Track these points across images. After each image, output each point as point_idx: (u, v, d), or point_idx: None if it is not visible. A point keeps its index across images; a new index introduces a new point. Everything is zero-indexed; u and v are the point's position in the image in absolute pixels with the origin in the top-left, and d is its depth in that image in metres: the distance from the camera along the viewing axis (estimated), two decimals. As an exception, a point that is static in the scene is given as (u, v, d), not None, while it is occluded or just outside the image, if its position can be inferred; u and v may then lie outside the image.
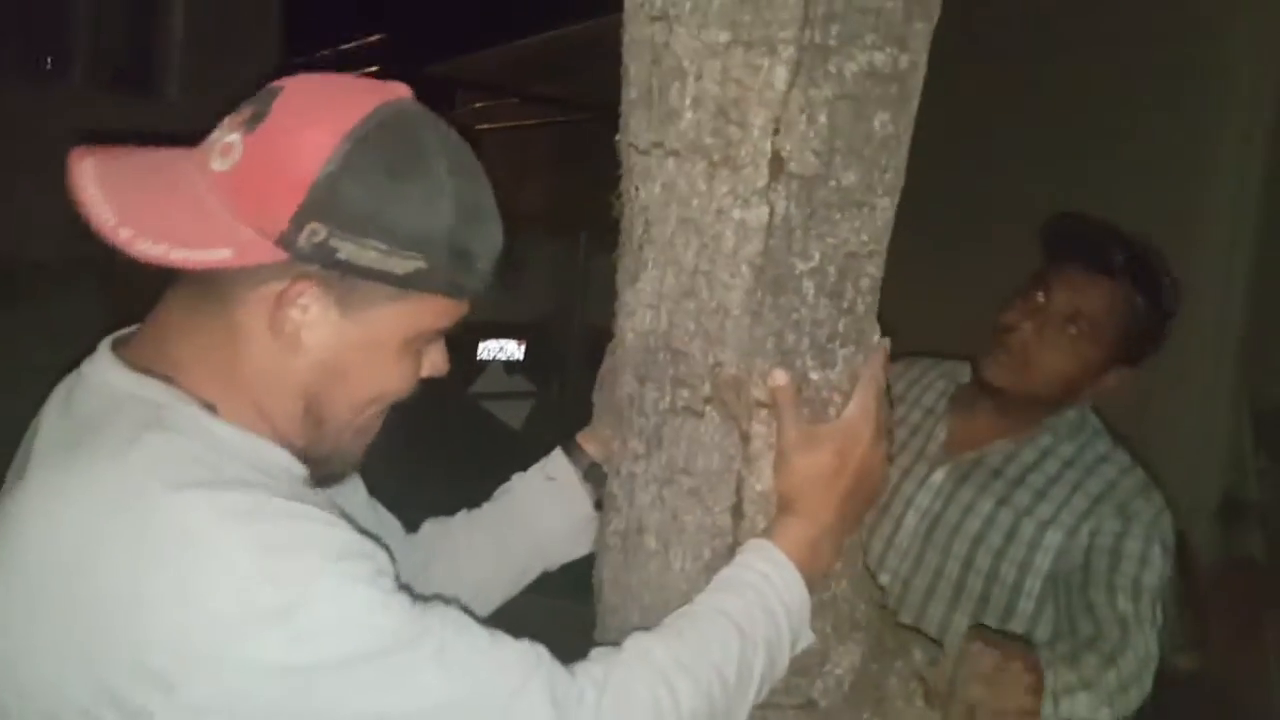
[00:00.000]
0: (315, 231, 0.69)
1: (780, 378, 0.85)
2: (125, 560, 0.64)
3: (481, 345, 6.11)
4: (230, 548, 0.64)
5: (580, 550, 1.07)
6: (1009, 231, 1.77)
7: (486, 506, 1.09)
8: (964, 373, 1.51)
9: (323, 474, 0.80)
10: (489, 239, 0.77)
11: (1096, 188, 2.99)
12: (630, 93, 0.87)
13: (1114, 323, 1.37)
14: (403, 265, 0.71)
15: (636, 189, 0.88)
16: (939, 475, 1.44)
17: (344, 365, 0.75)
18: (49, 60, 4.08)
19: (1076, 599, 1.30)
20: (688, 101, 0.82)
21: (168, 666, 0.62)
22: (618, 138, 0.90)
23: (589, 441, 1.08)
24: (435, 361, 0.82)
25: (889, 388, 0.91)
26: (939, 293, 2.99)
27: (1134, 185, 3.23)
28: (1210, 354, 3.87)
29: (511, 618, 0.87)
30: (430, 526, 1.07)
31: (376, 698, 0.66)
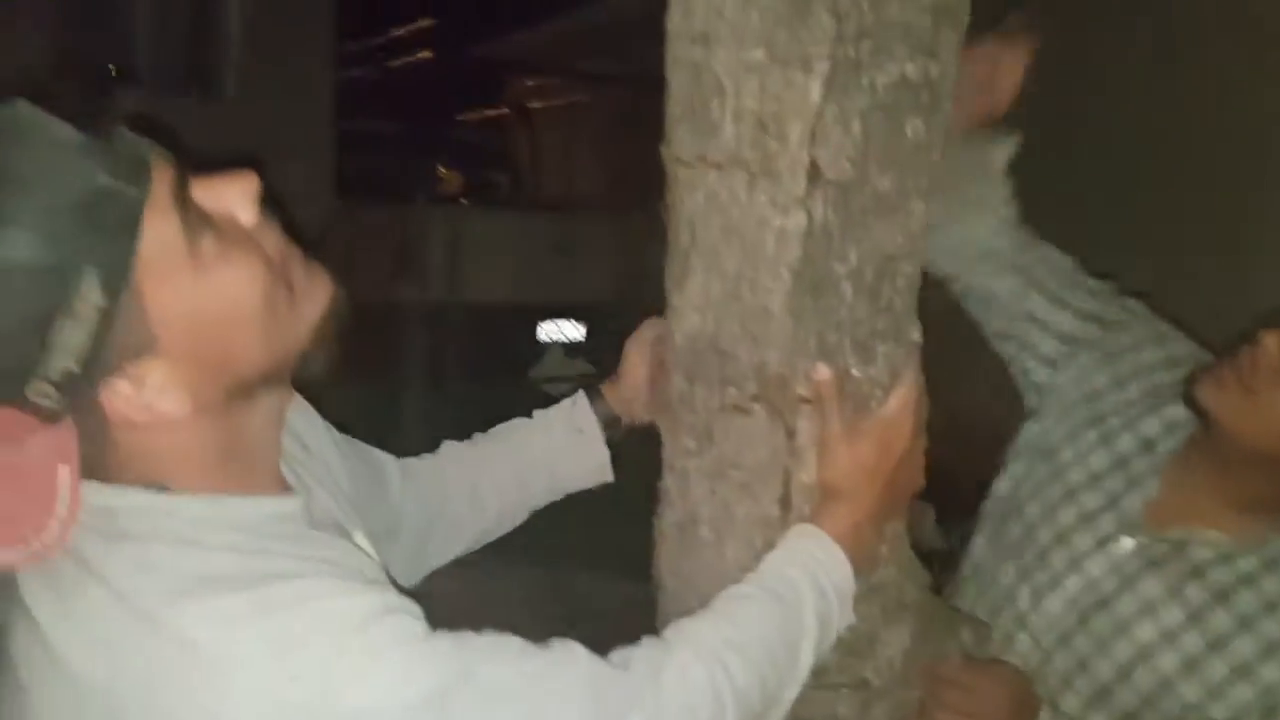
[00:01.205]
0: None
1: (823, 373, 0.89)
2: (142, 695, 0.61)
3: (540, 327, 6.19)
4: (242, 658, 0.61)
5: (592, 484, 1.16)
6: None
7: (511, 445, 1.14)
8: None
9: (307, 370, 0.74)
10: None
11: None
12: (674, 109, 0.91)
13: None
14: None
15: (681, 200, 0.92)
16: (1126, 547, 1.10)
17: (192, 358, 0.66)
18: (112, 69, 4.21)
19: None
20: (728, 116, 0.86)
21: None
22: (662, 148, 0.95)
23: (612, 392, 1.14)
24: (267, 240, 0.70)
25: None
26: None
27: None
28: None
29: (586, 602, 0.92)
30: (451, 453, 1.12)
31: None
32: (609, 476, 1.16)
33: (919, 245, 0.92)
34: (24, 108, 0.61)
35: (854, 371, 0.91)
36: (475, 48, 8.15)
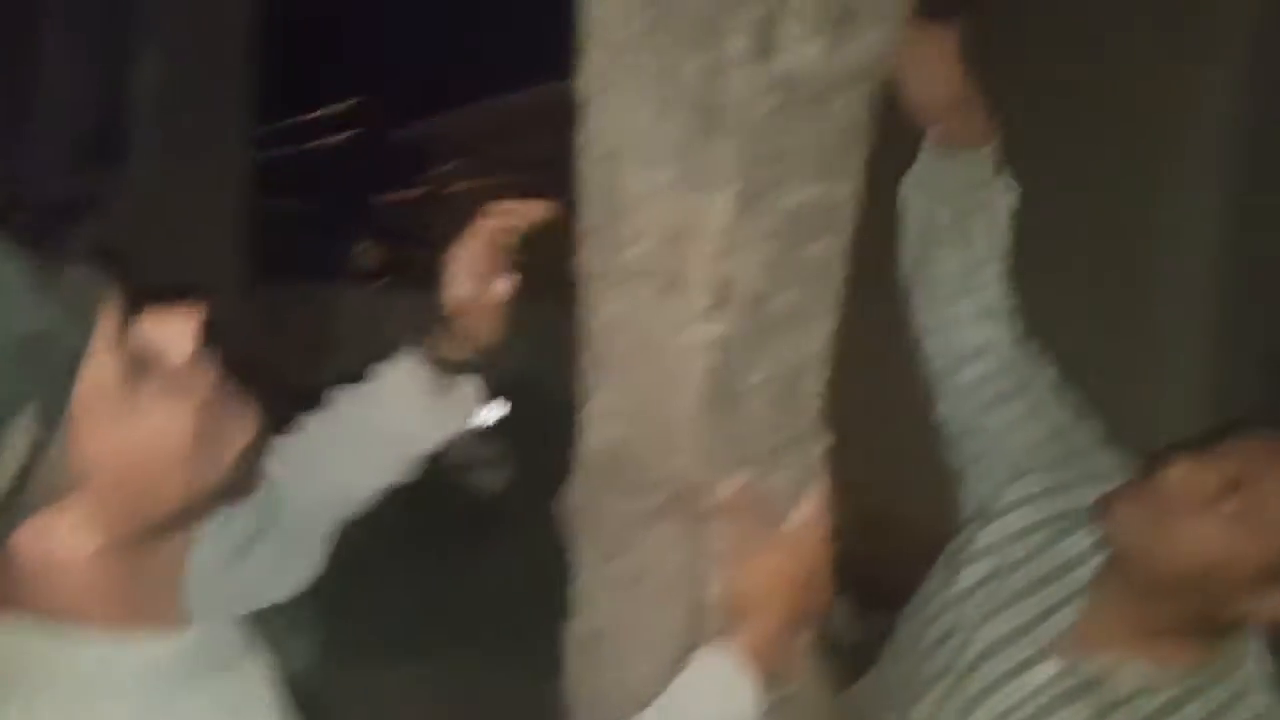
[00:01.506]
0: None
1: (734, 486, 0.90)
2: None
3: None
4: None
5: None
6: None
7: (352, 424, 1.06)
8: None
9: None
10: None
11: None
12: (584, 222, 0.93)
13: None
14: None
15: (593, 311, 0.93)
16: (1043, 672, 1.07)
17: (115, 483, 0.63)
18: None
19: None
20: (638, 232, 0.88)
21: None
22: (575, 261, 0.96)
23: (450, 340, 1.04)
24: (201, 375, 0.67)
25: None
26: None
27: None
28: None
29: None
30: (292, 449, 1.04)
31: None
32: (474, 419, 1.09)
33: (825, 357, 0.94)
34: None
35: (764, 481, 0.92)
36: (399, 128, 8.21)
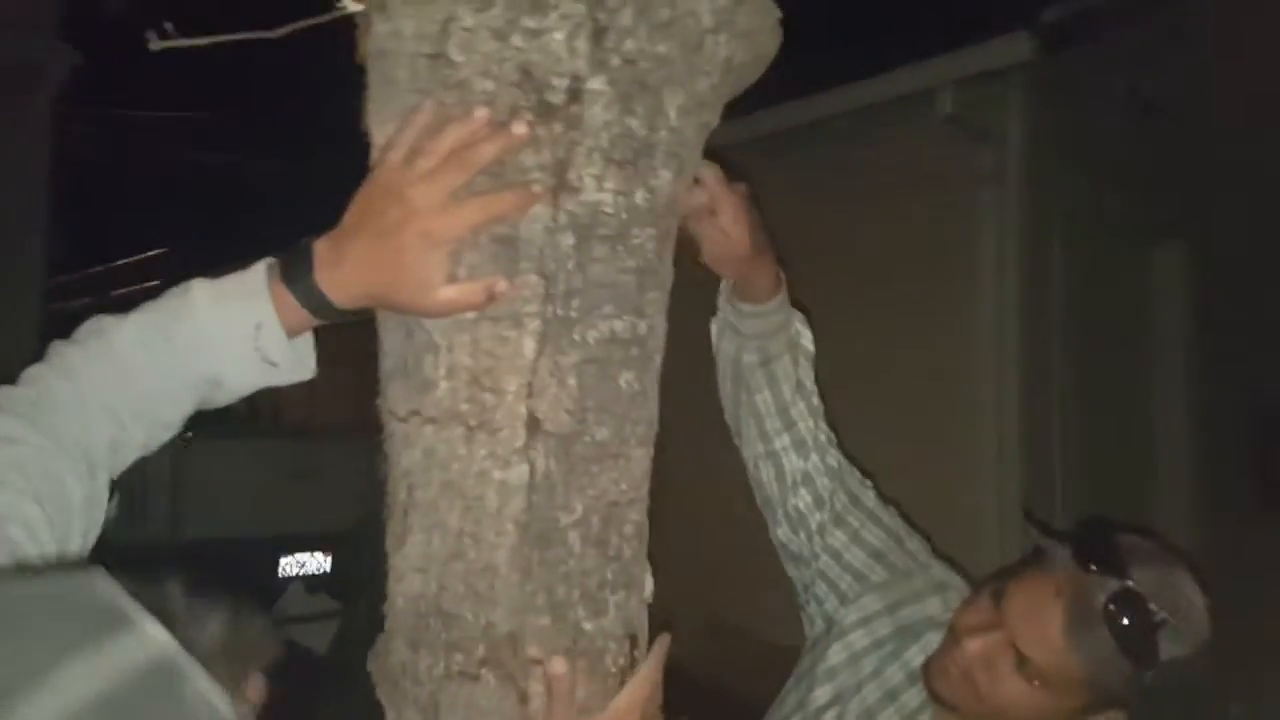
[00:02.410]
0: None
1: (559, 666, 0.85)
2: None
3: (282, 561, 5.75)
4: None
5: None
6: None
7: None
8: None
9: None
10: None
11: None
12: (386, 363, 0.89)
13: (1075, 675, 1.03)
14: None
15: (398, 455, 0.89)
16: None
17: None
18: None
19: None
20: (442, 372, 0.85)
21: None
22: (377, 402, 0.92)
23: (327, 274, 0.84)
24: None
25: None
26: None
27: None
28: (995, 510, 4.16)
29: None
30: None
31: None
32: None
33: (643, 491, 0.92)
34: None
35: (586, 625, 0.88)
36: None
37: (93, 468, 0.81)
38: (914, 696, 1.18)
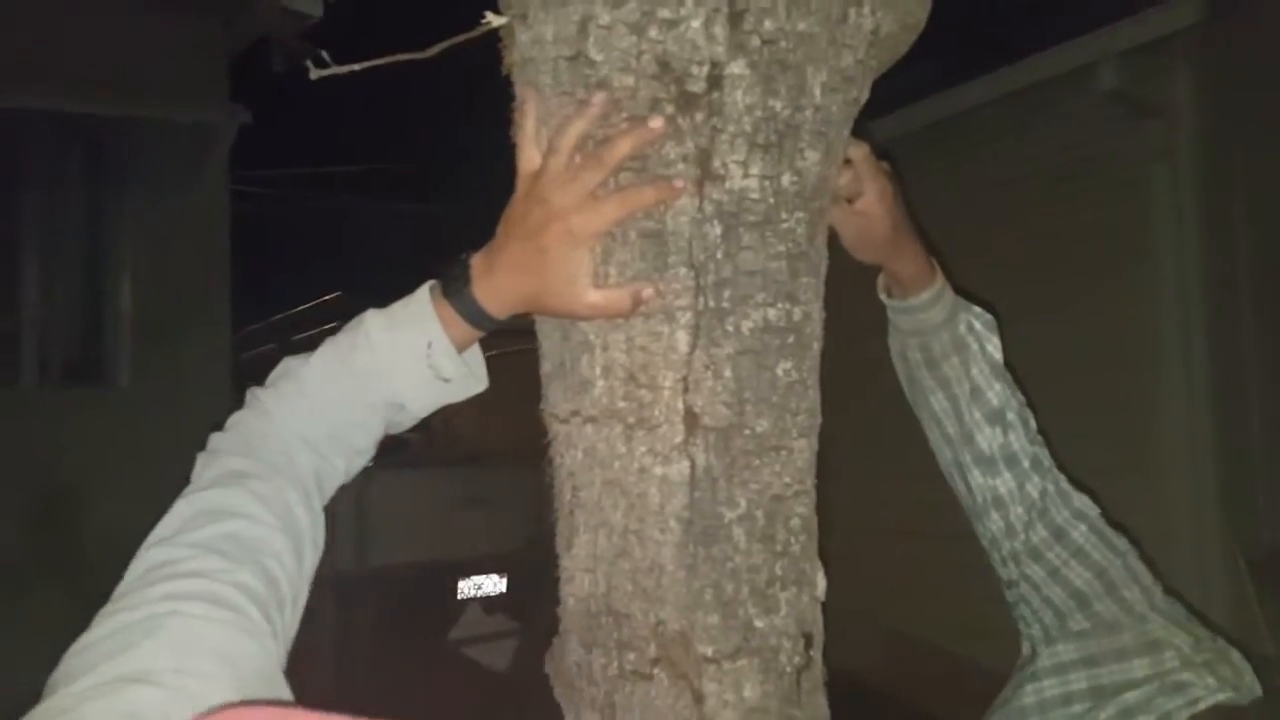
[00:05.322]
0: None
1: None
2: None
3: (460, 584, 5.96)
4: None
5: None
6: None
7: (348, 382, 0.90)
8: None
9: None
10: None
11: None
12: (545, 366, 0.90)
13: None
14: None
15: (561, 456, 0.90)
16: None
17: None
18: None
19: None
20: (598, 371, 0.86)
21: None
22: (541, 407, 0.93)
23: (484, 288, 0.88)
24: None
25: None
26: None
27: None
28: (1191, 507, 3.89)
29: None
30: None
31: None
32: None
33: (808, 484, 0.90)
34: None
35: (757, 623, 0.86)
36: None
37: (307, 495, 0.86)
38: None
